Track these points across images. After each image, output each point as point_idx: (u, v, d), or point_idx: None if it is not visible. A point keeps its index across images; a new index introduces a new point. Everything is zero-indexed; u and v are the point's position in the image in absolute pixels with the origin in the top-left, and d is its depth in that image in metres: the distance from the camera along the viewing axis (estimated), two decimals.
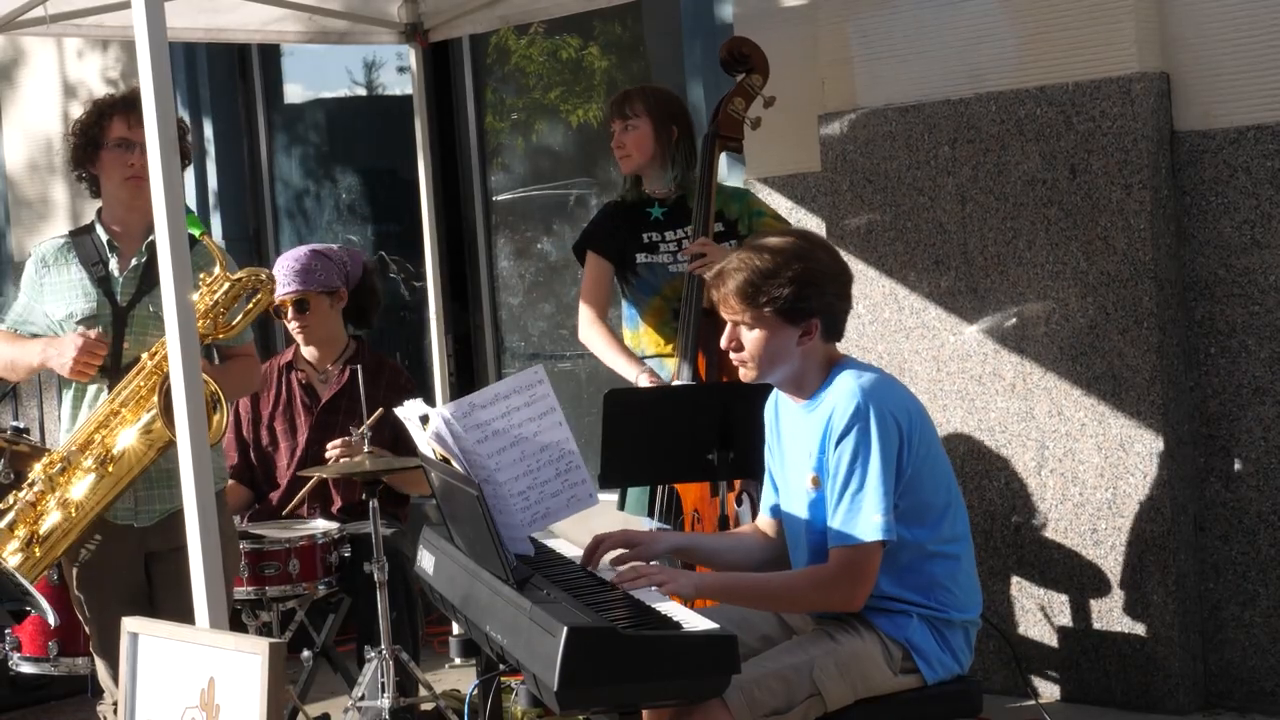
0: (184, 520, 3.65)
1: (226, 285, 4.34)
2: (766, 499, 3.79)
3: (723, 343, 3.57)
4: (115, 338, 4.38)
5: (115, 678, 4.22)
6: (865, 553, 3.38)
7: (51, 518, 4.24)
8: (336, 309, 5.50)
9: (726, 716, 3.21)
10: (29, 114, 8.64)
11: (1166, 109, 4.95)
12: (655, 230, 5.03)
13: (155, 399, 4.18)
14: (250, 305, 4.37)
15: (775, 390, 3.71)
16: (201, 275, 4.35)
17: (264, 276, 4.40)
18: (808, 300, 3.46)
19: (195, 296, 4.28)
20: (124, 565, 4.38)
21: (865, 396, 3.40)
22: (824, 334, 3.52)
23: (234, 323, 4.35)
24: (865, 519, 3.36)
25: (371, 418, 4.96)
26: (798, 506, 3.58)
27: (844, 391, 3.44)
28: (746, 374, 3.56)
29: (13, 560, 4.20)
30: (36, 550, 4.23)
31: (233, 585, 4.56)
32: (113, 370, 4.37)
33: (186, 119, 5.21)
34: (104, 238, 4.45)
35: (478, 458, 3.38)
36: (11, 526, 4.24)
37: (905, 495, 3.41)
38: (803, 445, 3.55)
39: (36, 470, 4.29)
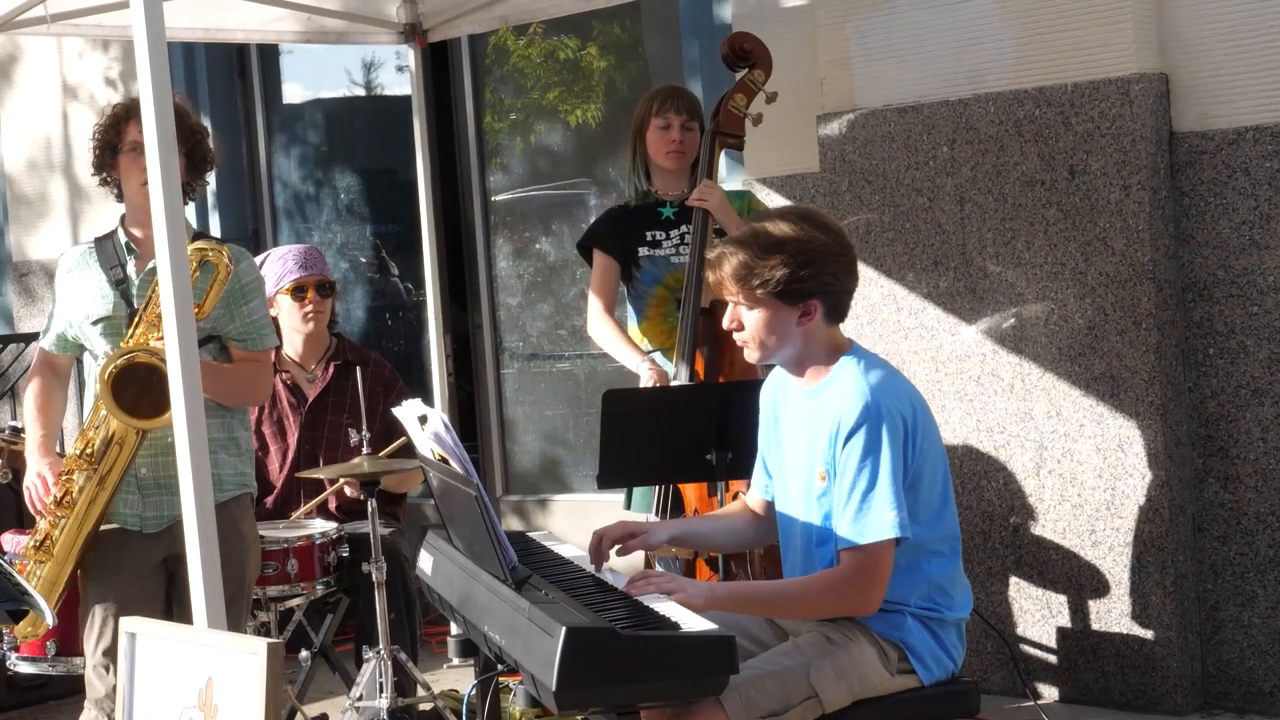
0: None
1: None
2: (758, 480, 3.76)
3: (725, 323, 3.52)
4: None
5: (104, 670, 4.26)
6: (879, 553, 3.34)
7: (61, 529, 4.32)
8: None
9: (723, 717, 3.20)
10: (28, 113, 8.63)
11: (1165, 110, 4.95)
12: (662, 229, 5.06)
13: (105, 387, 4.16)
14: (210, 281, 4.29)
15: (774, 372, 3.67)
16: None
17: (211, 248, 4.29)
18: (804, 281, 3.41)
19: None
20: (130, 565, 4.37)
21: (874, 394, 3.36)
22: (826, 315, 3.46)
23: (202, 302, 4.26)
24: (878, 517, 3.32)
25: (368, 421, 4.90)
26: (797, 499, 3.53)
27: (851, 389, 3.40)
28: (749, 354, 3.52)
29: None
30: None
31: (251, 586, 4.57)
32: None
33: None
34: (124, 241, 4.46)
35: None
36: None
37: (908, 493, 3.38)
38: (805, 434, 3.51)
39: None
